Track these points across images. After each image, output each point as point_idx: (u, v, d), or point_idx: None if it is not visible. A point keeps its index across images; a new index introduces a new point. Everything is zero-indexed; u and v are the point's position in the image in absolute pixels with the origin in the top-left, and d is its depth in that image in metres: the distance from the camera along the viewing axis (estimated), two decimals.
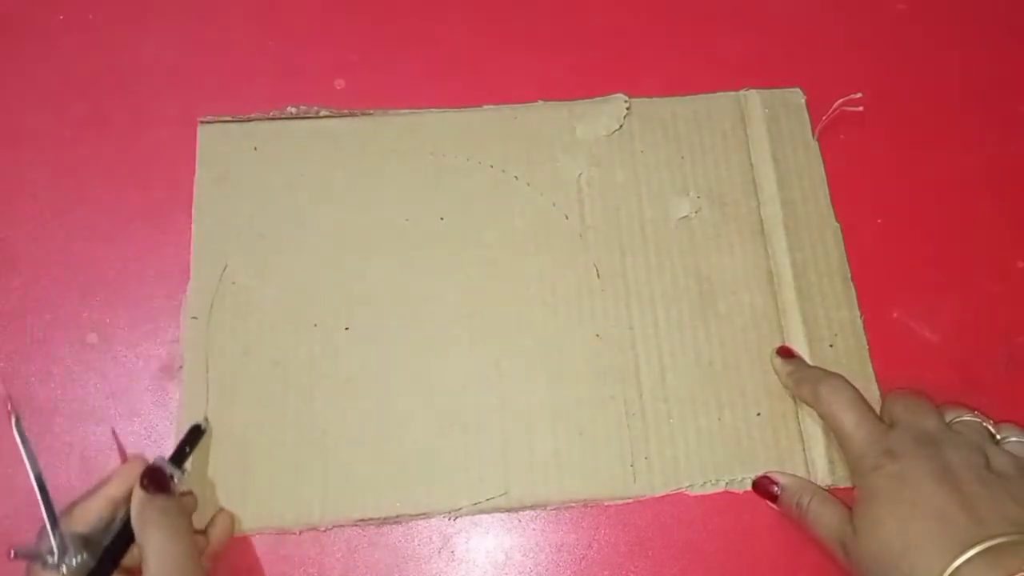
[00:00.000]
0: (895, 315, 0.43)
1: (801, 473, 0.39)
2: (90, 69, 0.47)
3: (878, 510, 0.34)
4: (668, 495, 0.39)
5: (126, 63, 0.47)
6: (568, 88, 0.47)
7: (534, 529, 0.39)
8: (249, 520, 0.38)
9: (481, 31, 0.49)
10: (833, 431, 0.38)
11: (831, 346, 0.41)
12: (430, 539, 0.39)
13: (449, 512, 0.39)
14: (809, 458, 0.40)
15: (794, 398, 0.41)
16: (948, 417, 0.37)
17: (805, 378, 0.39)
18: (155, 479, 0.35)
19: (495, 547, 0.39)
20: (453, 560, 0.38)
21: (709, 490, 0.39)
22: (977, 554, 0.30)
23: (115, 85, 0.47)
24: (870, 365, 0.41)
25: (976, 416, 0.37)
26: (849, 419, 0.37)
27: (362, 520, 0.39)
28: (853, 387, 0.38)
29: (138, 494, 0.34)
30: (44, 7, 0.48)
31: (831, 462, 0.39)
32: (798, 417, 0.41)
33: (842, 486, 0.39)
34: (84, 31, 0.48)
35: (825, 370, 0.40)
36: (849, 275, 0.43)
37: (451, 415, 0.40)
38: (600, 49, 0.48)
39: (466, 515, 0.39)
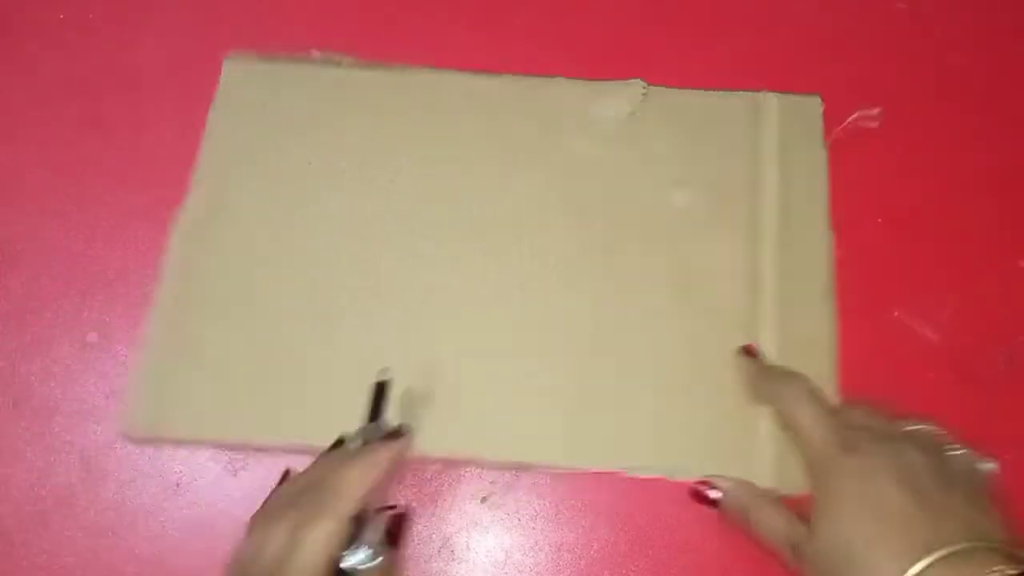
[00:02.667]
0: (896, 314, 0.43)
1: (760, 475, 0.39)
2: (90, 69, 0.47)
3: (838, 508, 0.33)
4: (669, 492, 0.39)
5: (126, 63, 0.47)
6: (590, 66, 0.47)
7: (534, 528, 0.39)
8: (195, 429, 0.40)
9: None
10: (792, 428, 0.37)
11: (800, 354, 0.41)
12: (430, 538, 0.39)
13: None
14: (769, 459, 0.39)
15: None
16: (906, 425, 0.37)
17: (765, 376, 0.39)
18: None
19: (495, 546, 0.39)
20: (453, 559, 0.38)
21: (652, 475, 0.39)
22: (937, 560, 0.30)
23: (115, 85, 0.47)
24: (836, 378, 0.41)
25: (933, 426, 0.37)
26: (807, 415, 0.36)
27: (302, 446, 0.39)
28: (812, 384, 0.38)
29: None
30: (44, 7, 0.48)
31: (791, 467, 0.38)
32: (762, 418, 0.40)
33: (784, 492, 0.38)
34: (84, 31, 0.48)
35: (785, 369, 0.40)
36: (833, 287, 0.42)
37: (412, 361, 0.41)
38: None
39: None
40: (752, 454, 0.40)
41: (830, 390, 0.40)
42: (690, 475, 0.39)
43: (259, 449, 0.40)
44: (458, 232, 0.44)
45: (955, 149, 0.46)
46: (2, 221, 0.44)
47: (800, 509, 0.35)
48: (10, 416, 0.41)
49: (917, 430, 0.36)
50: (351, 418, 0.38)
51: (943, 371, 0.42)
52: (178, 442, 0.40)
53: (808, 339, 0.41)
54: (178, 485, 0.40)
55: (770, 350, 0.41)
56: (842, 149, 0.46)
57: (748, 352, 0.41)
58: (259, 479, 0.40)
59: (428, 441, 0.39)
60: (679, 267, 0.43)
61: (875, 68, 0.48)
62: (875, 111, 0.46)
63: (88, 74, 0.47)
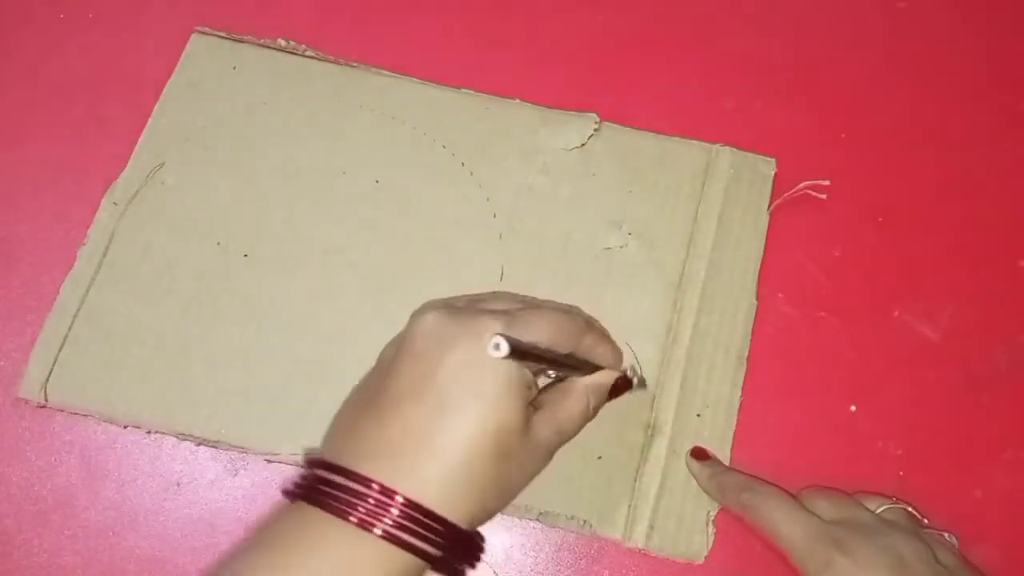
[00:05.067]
0: (896, 314, 0.43)
1: (619, 529, 0.38)
2: (90, 69, 0.47)
3: None
4: None
5: (126, 63, 0.47)
6: (550, 93, 0.46)
7: (534, 528, 0.39)
8: (84, 399, 0.40)
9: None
10: (771, 536, 0.36)
11: (698, 415, 0.40)
12: None
13: (265, 453, 0.39)
14: (632, 516, 0.39)
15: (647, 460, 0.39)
16: (873, 506, 0.37)
17: (729, 486, 0.38)
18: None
19: (495, 546, 0.39)
20: None
21: (519, 516, 0.39)
22: None
23: (115, 85, 0.47)
24: (730, 447, 0.40)
25: (898, 503, 0.37)
26: (784, 520, 0.35)
27: (182, 434, 0.39)
28: (784, 493, 0.37)
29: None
30: (44, 7, 0.48)
31: (651, 527, 0.38)
32: (637, 474, 0.39)
33: (654, 552, 0.38)
34: (84, 31, 0.48)
35: (747, 477, 0.38)
36: (746, 355, 0.41)
37: (308, 363, 0.40)
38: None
39: (278, 461, 0.39)
40: (618, 507, 0.39)
41: (723, 455, 0.39)
42: (558, 520, 0.39)
43: (150, 432, 0.40)
44: (380, 236, 0.43)
45: (954, 149, 0.46)
46: (2, 221, 0.44)
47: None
48: (10, 416, 0.41)
49: (890, 511, 0.37)
50: (242, 415, 0.39)
51: (943, 371, 0.42)
52: (65, 411, 0.40)
53: (710, 405, 0.40)
54: (178, 484, 0.40)
55: (668, 409, 0.40)
56: (841, 146, 0.46)
57: (699, 455, 0.39)
58: (259, 479, 0.40)
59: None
60: (594, 308, 0.41)
61: (873, 68, 0.48)
62: (825, 182, 0.44)
63: (88, 74, 0.47)
